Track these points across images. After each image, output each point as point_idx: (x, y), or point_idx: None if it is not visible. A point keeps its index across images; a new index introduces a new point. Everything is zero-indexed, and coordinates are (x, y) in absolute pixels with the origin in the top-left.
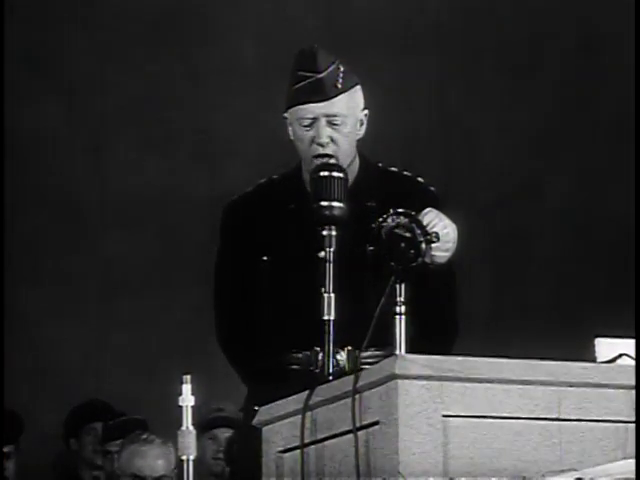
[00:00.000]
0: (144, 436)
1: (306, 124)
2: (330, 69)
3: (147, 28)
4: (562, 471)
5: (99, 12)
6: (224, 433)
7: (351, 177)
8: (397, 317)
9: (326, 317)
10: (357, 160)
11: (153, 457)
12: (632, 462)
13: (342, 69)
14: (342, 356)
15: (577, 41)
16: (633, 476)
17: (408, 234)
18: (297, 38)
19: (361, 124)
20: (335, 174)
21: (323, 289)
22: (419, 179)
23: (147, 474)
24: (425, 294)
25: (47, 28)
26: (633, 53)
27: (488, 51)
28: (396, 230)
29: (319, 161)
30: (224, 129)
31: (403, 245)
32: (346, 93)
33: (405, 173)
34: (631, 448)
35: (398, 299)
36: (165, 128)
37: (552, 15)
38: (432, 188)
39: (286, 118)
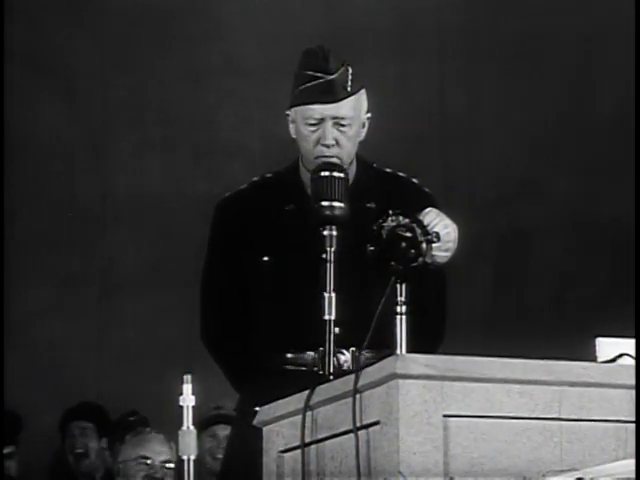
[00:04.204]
0: (147, 429)
1: (312, 124)
2: (340, 71)
3: (147, 28)
4: (562, 471)
5: (99, 12)
6: (223, 430)
7: (350, 178)
8: (398, 317)
9: (327, 317)
10: (354, 161)
11: (158, 444)
12: (632, 462)
13: (351, 71)
14: (346, 357)
15: (577, 41)
16: (633, 476)
17: (409, 234)
18: (297, 39)
19: (363, 126)
20: (336, 174)
21: (331, 290)
22: (414, 180)
23: (153, 456)
24: (415, 295)
25: (47, 28)
26: (633, 53)
27: (488, 51)
28: (397, 230)
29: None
30: (224, 129)
31: (404, 245)
32: (354, 96)
33: (400, 174)
34: (631, 448)
35: (399, 299)
36: (165, 128)
37: (552, 15)
38: (427, 189)
39: (288, 115)
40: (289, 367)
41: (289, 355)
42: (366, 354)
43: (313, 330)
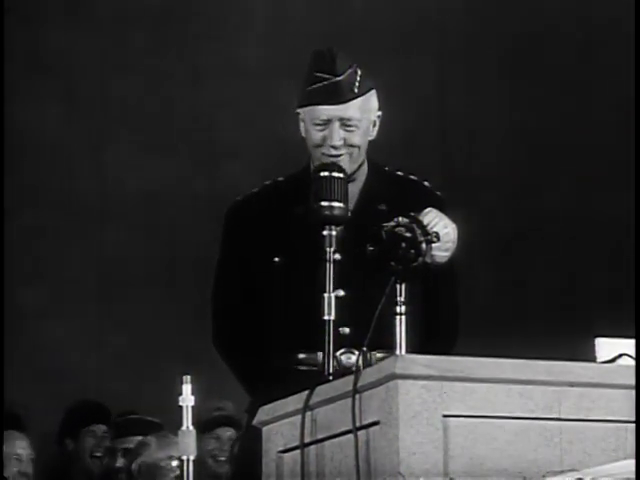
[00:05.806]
0: (169, 433)
1: (319, 124)
2: (348, 73)
3: (148, 28)
4: (562, 471)
5: (99, 12)
6: (226, 432)
7: (361, 180)
8: (397, 317)
9: (326, 317)
10: (366, 163)
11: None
12: (632, 462)
13: (359, 73)
14: (355, 357)
15: (577, 41)
16: (633, 476)
17: (408, 234)
18: (298, 39)
19: (374, 125)
20: (335, 174)
21: (331, 290)
22: (425, 183)
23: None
24: (425, 294)
25: (47, 28)
26: (633, 53)
27: (488, 52)
28: (396, 230)
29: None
30: (224, 129)
31: (403, 245)
32: (361, 97)
33: (411, 177)
34: (631, 448)
35: (398, 299)
36: (165, 128)
37: (552, 15)
38: (438, 192)
39: (299, 114)
40: (301, 367)
41: (301, 355)
42: (378, 354)
43: (324, 330)
